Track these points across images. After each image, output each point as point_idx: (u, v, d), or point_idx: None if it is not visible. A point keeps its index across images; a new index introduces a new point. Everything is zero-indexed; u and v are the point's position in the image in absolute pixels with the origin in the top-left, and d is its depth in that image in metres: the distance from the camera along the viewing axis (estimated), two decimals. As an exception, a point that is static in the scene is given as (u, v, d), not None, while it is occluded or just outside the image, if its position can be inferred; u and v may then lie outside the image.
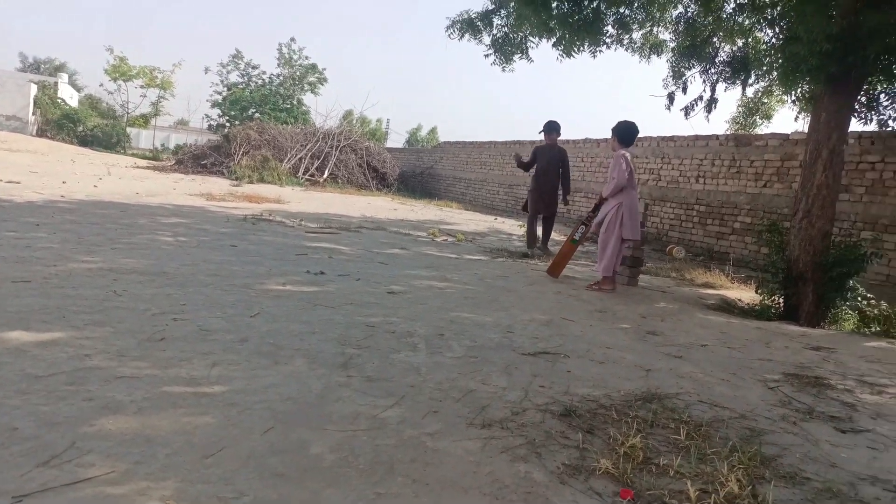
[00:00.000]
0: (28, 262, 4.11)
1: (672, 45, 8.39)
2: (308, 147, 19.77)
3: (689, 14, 7.74)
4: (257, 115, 27.80)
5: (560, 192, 8.35)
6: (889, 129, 6.23)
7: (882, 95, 5.98)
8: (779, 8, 6.28)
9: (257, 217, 8.58)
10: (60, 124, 33.06)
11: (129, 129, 35.65)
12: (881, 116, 6.06)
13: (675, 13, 8.01)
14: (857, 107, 5.81)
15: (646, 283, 6.48)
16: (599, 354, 3.37)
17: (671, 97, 8.05)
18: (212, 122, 31.04)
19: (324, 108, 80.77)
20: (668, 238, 11.64)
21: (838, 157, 5.45)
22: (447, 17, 7.98)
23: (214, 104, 30.42)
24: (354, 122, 29.75)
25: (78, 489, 1.57)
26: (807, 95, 6.29)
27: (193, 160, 19.34)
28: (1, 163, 12.78)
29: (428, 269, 5.87)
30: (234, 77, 30.68)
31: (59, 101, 35.80)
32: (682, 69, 8.05)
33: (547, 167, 8.16)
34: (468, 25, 7.82)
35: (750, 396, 2.86)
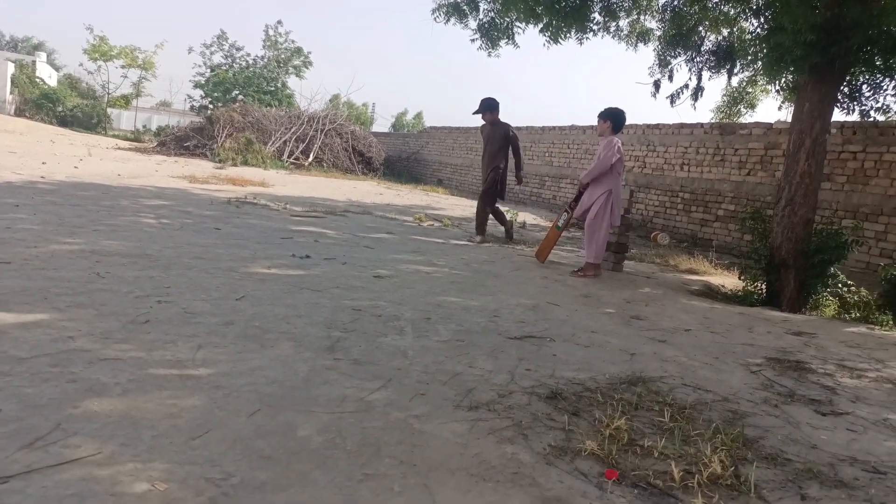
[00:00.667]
0: (8, 244, 4.03)
1: (658, 33, 8.41)
2: (293, 130, 19.58)
3: (676, 3, 7.74)
4: (241, 97, 27.44)
5: (500, 170, 7.55)
6: (871, 119, 6.29)
7: (864, 86, 6.03)
8: (765, -3, 6.30)
9: (241, 200, 8.50)
10: (39, 104, 32.42)
11: (109, 110, 34.99)
12: (863, 107, 6.11)
13: (661, 2, 8.02)
14: (839, 97, 5.85)
15: (630, 269, 6.53)
16: (584, 338, 3.40)
17: (657, 85, 8.08)
18: (194, 104, 30.54)
19: (309, 92, 79.87)
20: (653, 224, 11.73)
21: (821, 147, 5.51)
22: (433, 0, 7.88)
23: (197, 85, 29.92)
24: (341, 105, 29.52)
25: (64, 470, 1.56)
26: (791, 85, 6.33)
27: (176, 142, 19.05)
28: (-23, 143, 12.50)
29: (414, 253, 5.86)
30: (217, 58, 30.21)
31: (37, 80, 35.06)
32: (669, 57, 8.08)
33: (484, 147, 7.64)
34: (454, 9, 7.76)
35: (732, 380, 2.91)
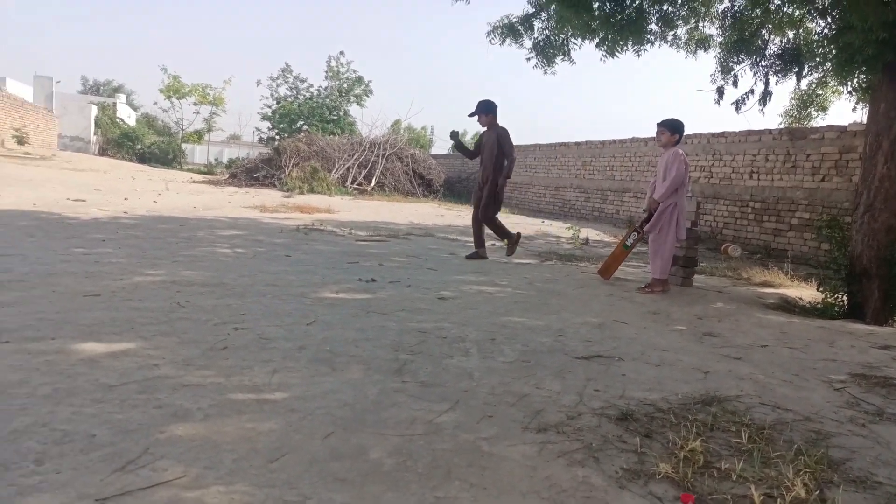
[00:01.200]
0: (97, 277, 4.32)
1: (719, 39, 8.20)
2: (355, 157, 20.10)
3: (736, 7, 7.54)
4: (305, 127, 28.45)
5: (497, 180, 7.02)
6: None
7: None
8: (831, -4, 6.06)
9: (309, 227, 8.78)
10: (120, 143, 34.64)
11: (183, 146, 37.08)
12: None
13: (720, 7, 7.82)
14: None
15: (701, 284, 6.34)
16: (655, 357, 3.32)
17: (720, 91, 7.85)
18: (262, 136, 31.94)
19: (370, 118, 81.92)
20: (723, 236, 11.34)
21: (902, 148, 5.21)
22: (487, 23, 7.99)
23: (264, 117, 31.29)
24: (401, 130, 30.12)
25: (154, 493, 1.66)
26: (864, 85, 6.04)
27: (246, 173, 19.93)
28: (67, 182, 13.46)
29: (477, 273, 5.89)
30: (283, 90, 31.51)
31: (117, 120, 37.57)
32: (731, 63, 7.85)
33: (482, 153, 7.13)
34: (509, 30, 7.82)
35: (814, 398, 2.77)
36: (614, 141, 15.57)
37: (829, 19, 6.38)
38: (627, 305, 4.83)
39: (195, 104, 35.68)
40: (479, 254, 7.05)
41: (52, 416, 2.06)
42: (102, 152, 34.30)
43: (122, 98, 45.56)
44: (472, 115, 7.07)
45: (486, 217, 7.12)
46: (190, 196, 13.40)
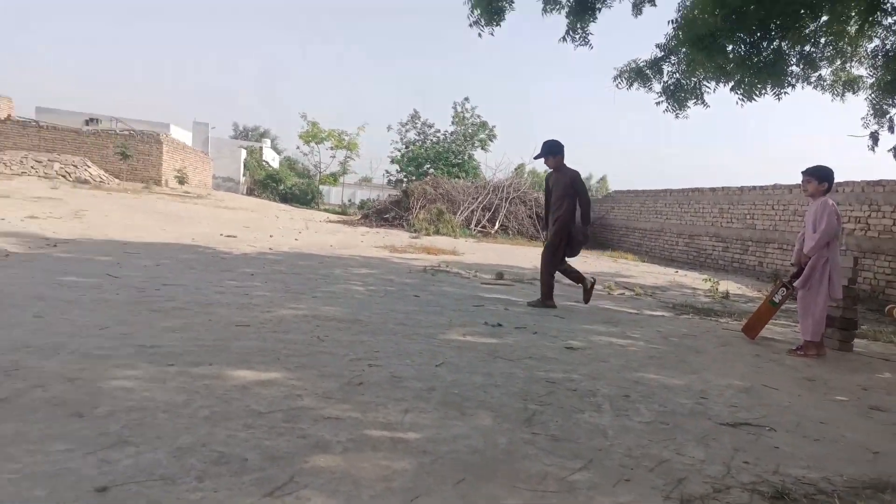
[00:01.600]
0: (247, 309, 4.68)
1: (870, 80, 7.56)
2: (479, 200, 20.47)
3: (889, 46, 6.91)
4: (432, 170, 29.50)
5: (566, 223, 6.51)
6: None
7: None
8: None
9: (435, 268, 8.99)
10: (265, 184, 37.81)
11: (321, 187, 39.74)
12: None
13: (870, 46, 7.22)
14: None
15: (862, 349, 5.68)
16: (812, 430, 3.00)
17: (874, 137, 7.18)
18: (391, 178, 33.56)
19: (493, 162, 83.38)
20: (886, 296, 10.16)
21: None
22: (614, 68, 7.94)
23: (394, 161, 32.89)
24: (525, 174, 30.36)
25: (299, 522, 1.72)
26: None
27: (377, 214, 20.93)
28: (220, 219, 14.86)
29: (606, 324, 5.69)
30: (411, 135, 33.01)
31: (263, 163, 41.12)
32: (885, 106, 7.18)
33: (547, 197, 6.73)
34: (637, 74, 7.72)
35: None
36: (754, 187, 14.62)
37: None
38: (777, 369, 4.43)
39: (332, 148, 38.29)
40: (545, 302, 6.44)
41: (211, 438, 2.22)
42: (250, 192, 37.64)
43: (267, 143, 49.98)
44: (538, 157, 6.56)
45: (552, 262, 6.56)
46: (326, 235, 14.26)
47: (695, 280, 11.27)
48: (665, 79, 7.73)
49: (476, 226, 19.70)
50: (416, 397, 2.93)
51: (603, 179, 40.33)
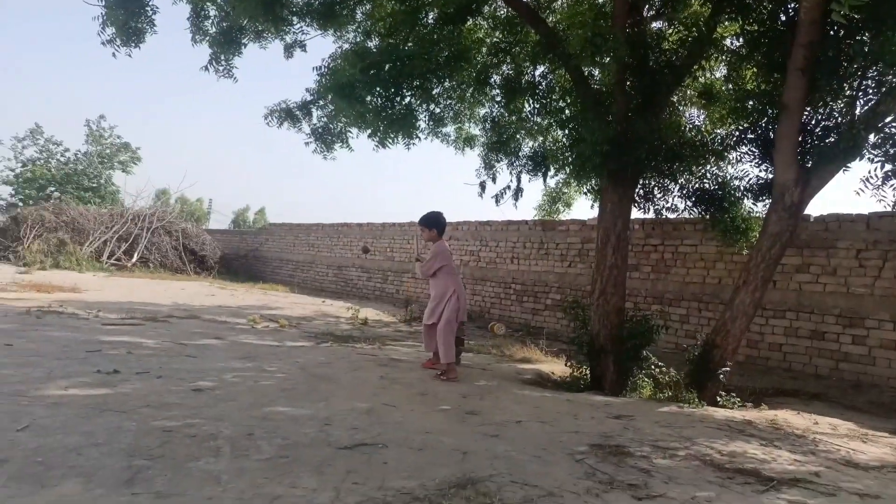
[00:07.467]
0: None
1: (482, 139, 9.14)
2: (114, 229, 18.15)
3: (495, 113, 8.51)
4: (57, 194, 25.09)
5: None
6: (664, 216, 7.20)
7: (655, 188, 6.95)
8: (567, 112, 7.14)
9: (44, 309, 7.53)
10: None
11: None
12: (656, 206, 7.00)
13: (482, 111, 8.76)
14: (636, 198, 6.65)
15: (468, 362, 6.65)
16: (418, 441, 3.33)
17: (483, 186, 8.68)
18: (1, 202, 27.37)
19: (135, 189, 75.10)
20: (490, 315, 12.22)
21: (624, 242, 6.16)
22: (265, 107, 7.98)
23: (5, 182, 26.96)
24: (173, 201, 28.08)
25: None
26: (595, 188, 7.10)
27: (-31, 245, 16.78)
28: None
29: (244, 359, 5.50)
30: (31, 153, 27.58)
31: None
32: (492, 161, 8.76)
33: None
34: (287, 114, 7.89)
35: (558, 472, 2.97)
36: (394, 224, 16.20)
37: (567, 130, 7.46)
38: (397, 387, 4.85)
39: None
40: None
41: None
42: None
43: None
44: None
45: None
46: None
47: (339, 309, 11.83)
48: (314, 121, 8.03)
49: (109, 259, 17.34)
50: (-25, 476, 2.32)
51: (261, 212, 39.78)
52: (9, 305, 7.64)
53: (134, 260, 17.88)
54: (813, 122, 5.57)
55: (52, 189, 26.29)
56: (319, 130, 7.92)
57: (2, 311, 7.08)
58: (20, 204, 25.16)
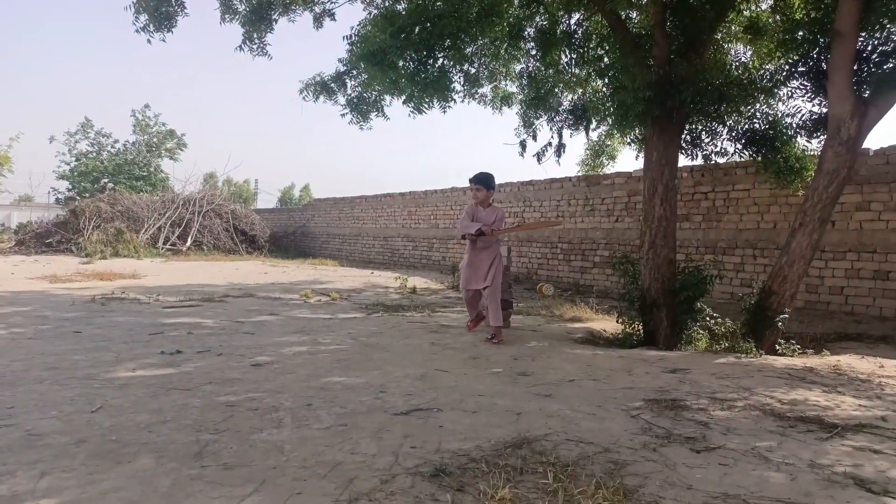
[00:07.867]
0: None
1: (520, 96, 8.94)
2: (167, 215, 18.74)
3: (531, 68, 8.29)
4: (111, 185, 26.01)
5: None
6: (713, 162, 6.94)
7: (703, 133, 6.68)
8: (606, 60, 6.90)
9: (108, 296, 7.89)
10: None
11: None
12: (704, 151, 6.75)
13: (518, 68, 8.55)
14: (683, 144, 6.42)
15: (518, 324, 6.66)
16: (472, 403, 3.36)
17: (523, 145, 8.52)
18: (59, 196, 28.57)
19: (184, 174, 77.04)
20: (538, 276, 12.15)
21: (672, 191, 5.98)
22: (300, 81, 8.01)
23: (61, 176, 28.08)
24: (220, 184, 28.72)
25: None
26: (639, 137, 6.89)
27: (37, 239, 17.67)
28: None
29: (298, 333, 5.64)
30: (83, 146, 28.59)
31: None
32: (531, 118, 8.57)
33: None
34: (322, 87, 7.89)
35: (614, 428, 2.96)
36: (436, 191, 16.19)
37: (607, 80, 7.23)
38: (449, 353, 4.90)
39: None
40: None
41: None
42: None
43: None
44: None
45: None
46: (-41, 269, 11.48)
47: (388, 279, 11.98)
48: (349, 92, 8.02)
49: (164, 244, 17.97)
50: (60, 455, 2.47)
51: (306, 188, 40.38)
52: (75, 295, 8.03)
53: (188, 244, 18.46)
54: (869, 48, 5.23)
55: (106, 180, 27.24)
56: (354, 101, 7.91)
57: (69, 301, 7.44)
58: (77, 197, 26.22)
